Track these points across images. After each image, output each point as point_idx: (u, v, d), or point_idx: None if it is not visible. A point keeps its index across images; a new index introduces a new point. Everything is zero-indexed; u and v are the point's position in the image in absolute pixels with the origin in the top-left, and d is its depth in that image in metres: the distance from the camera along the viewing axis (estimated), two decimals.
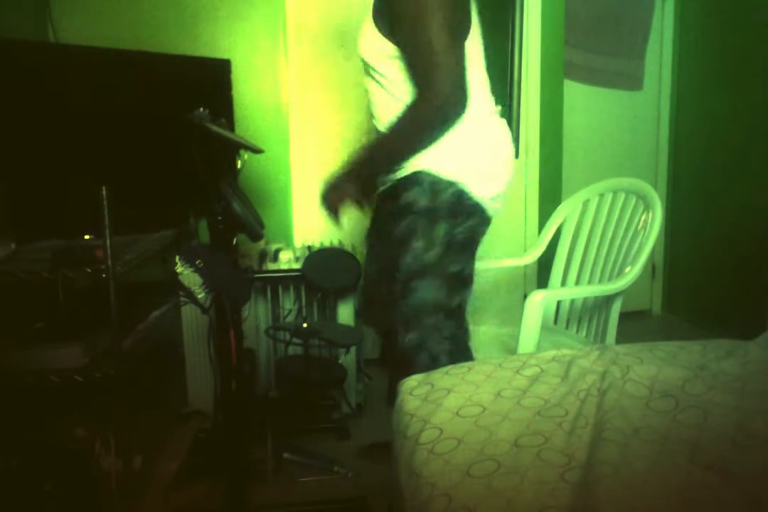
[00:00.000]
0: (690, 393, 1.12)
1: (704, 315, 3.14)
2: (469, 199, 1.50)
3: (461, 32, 1.46)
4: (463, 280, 1.56)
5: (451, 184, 1.49)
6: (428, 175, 1.49)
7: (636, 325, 3.24)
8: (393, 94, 1.51)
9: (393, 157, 1.52)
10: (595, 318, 1.91)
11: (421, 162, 1.50)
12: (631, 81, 3.28)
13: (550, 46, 2.88)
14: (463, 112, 1.41)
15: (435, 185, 1.49)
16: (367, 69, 1.56)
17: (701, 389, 1.13)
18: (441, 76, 1.37)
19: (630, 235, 1.85)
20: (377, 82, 1.54)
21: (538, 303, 1.62)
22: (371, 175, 1.58)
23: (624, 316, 1.86)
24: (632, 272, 1.76)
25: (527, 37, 2.81)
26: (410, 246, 1.51)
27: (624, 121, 3.29)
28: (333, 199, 1.56)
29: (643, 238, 1.80)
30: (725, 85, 2.92)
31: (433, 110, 1.40)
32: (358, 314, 2.12)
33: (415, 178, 1.51)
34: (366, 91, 1.61)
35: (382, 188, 1.65)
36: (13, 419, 1.77)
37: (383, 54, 1.48)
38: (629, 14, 3.20)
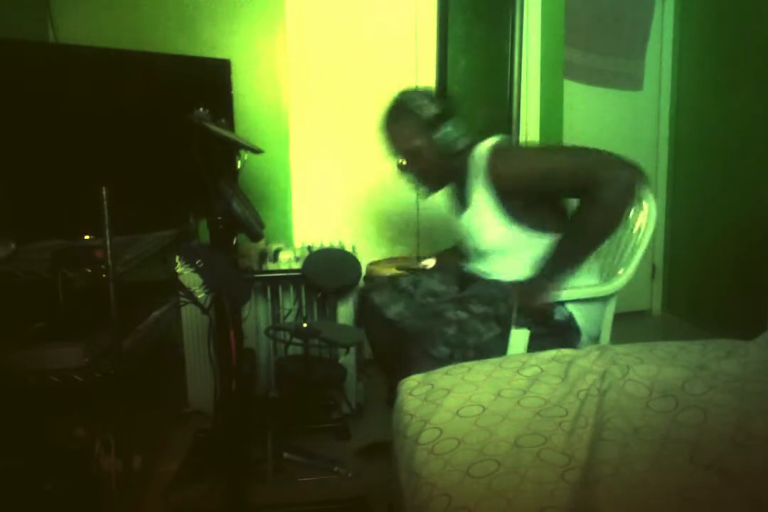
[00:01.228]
0: (690, 393, 1.12)
1: (704, 315, 3.14)
2: None
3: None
4: None
5: None
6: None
7: (636, 325, 3.24)
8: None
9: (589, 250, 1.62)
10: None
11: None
12: (631, 81, 3.27)
13: (550, 46, 2.88)
14: (644, 178, 1.56)
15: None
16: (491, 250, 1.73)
17: (701, 389, 1.13)
18: (598, 170, 1.49)
19: (626, 235, 1.85)
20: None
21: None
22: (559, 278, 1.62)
23: (624, 316, 1.86)
24: (625, 274, 1.76)
25: (527, 37, 2.81)
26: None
27: (624, 121, 3.29)
28: (539, 303, 1.61)
29: (637, 239, 1.80)
30: (725, 85, 2.92)
31: (615, 197, 1.49)
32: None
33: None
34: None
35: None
36: (13, 419, 1.77)
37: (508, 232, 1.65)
38: (629, 14, 3.19)
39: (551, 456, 0.94)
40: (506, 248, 1.69)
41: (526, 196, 1.62)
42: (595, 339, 1.77)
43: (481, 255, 1.79)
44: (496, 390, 1.19)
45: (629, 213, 1.60)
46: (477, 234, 1.72)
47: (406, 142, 1.69)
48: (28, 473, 1.59)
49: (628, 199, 1.51)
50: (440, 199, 1.95)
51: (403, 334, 1.68)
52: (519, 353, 1.60)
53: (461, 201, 1.78)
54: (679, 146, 3.30)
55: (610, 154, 1.53)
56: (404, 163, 1.74)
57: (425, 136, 1.66)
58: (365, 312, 1.89)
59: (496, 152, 1.62)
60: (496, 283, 1.69)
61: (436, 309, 1.65)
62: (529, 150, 1.58)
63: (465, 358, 1.49)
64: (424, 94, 1.71)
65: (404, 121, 1.68)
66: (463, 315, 1.58)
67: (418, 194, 1.81)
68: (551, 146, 1.57)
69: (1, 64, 1.71)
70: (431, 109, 1.65)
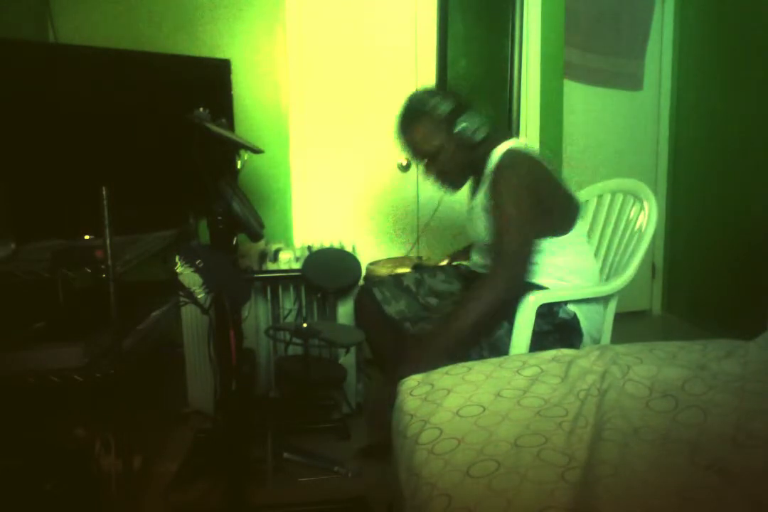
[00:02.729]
0: (690, 393, 1.11)
1: (704, 315, 3.14)
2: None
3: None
4: None
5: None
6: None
7: (636, 325, 3.24)
8: None
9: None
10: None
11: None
12: (631, 81, 3.27)
13: (550, 46, 2.88)
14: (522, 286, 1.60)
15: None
16: None
17: (701, 389, 1.13)
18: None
19: (627, 236, 1.86)
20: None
21: (532, 305, 1.62)
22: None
23: (624, 316, 1.86)
24: (626, 274, 1.76)
25: (527, 37, 2.81)
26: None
27: (624, 121, 3.29)
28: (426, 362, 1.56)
29: (637, 239, 1.81)
30: (725, 85, 2.92)
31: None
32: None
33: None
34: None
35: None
36: (13, 419, 1.77)
37: None
38: (629, 14, 3.19)
39: (551, 456, 0.94)
40: None
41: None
42: (597, 341, 1.78)
43: (484, 249, 1.80)
44: (496, 390, 1.19)
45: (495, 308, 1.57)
46: (477, 226, 1.75)
47: (429, 143, 1.68)
48: (28, 473, 1.59)
49: (495, 301, 1.52)
50: (439, 197, 1.94)
51: (410, 337, 1.69)
52: (520, 353, 1.60)
53: (473, 191, 1.80)
54: (679, 146, 3.30)
55: (525, 258, 1.56)
56: (428, 163, 1.74)
57: (445, 134, 1.66)
58: (364, 307, 1.90)
59: (500, 165, 1.63)
60: None
61: (446, 314, 1.66)
62: (520, 186, 1.57)
63: (481, 357, 1.50)
64: (433, 93, 1.71)
65: (422, 124, 1.68)
66: None
67: (444, 191, 1.80)
68: (533, 199, 1.57)
69: (1, 64, 1.71)
70: (445, 106, 1.65)
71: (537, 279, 1.69)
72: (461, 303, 1.57)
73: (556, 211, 1.69)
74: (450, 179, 1.76)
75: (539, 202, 1.59)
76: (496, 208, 1.60)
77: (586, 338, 1.70)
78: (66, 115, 1.82)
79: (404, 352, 1.64)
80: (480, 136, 1.65)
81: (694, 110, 3.17)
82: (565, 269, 1.70)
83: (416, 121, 1.68)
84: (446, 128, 1.66)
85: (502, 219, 1.57)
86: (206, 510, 1.67)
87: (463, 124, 1.65)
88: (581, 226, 1.77)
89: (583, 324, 1.69)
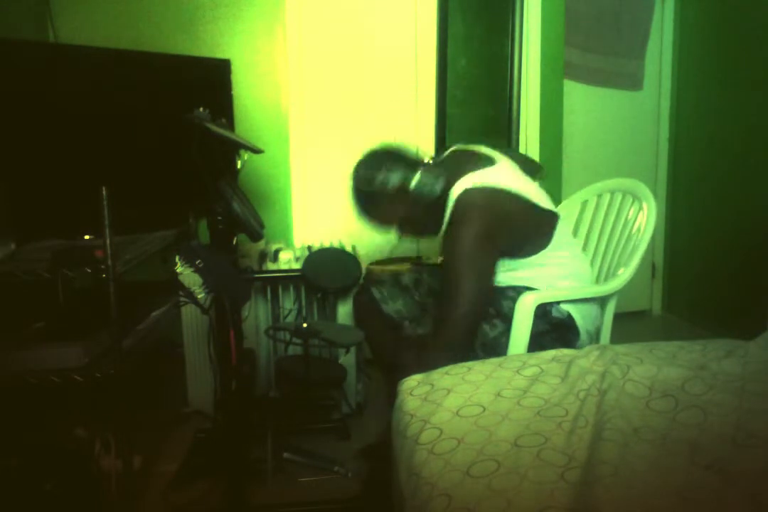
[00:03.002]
0: (690, 393, 1.11)
1: (704, 315, 3.14)
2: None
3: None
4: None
5: None
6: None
7: (636, 325, 3.24)
8: None
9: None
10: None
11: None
12: (631, 81, 3.27)
13: (550, 46, 2.87)
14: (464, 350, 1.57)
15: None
16: None
17: (701, 389, 1.13)
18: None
19: (626, 235, 1.86)
20: None
21: (529, 306, 1.61)
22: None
23: (624, 316, 1.86)
24: (625, 274, 1.76)
25: (527, 37, 2.81)
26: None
27: (624, 121, 3.29)
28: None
29: (637, 239, 1.80)
30: (725, 85, 2.92)
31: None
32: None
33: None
34: None
35: None
36: (13, 419, 1.77)
37: None
38: (629, 14, 3.19)
39: (551, 456, 0.94)
40: None
41: None
42: (594, 335, 1.77)
43: None
44: (496, 390, 1.19)
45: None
46: None
47: (390, 217, 1.65)
48: (28, 473, 1.59)
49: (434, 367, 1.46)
50: None
51: (406, 339, 1.69)
52: (519, 353, 1.60)
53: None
54: (679, 146, 3.30)
55: (465, 329, 1.53)
56: (398, 229, 1.72)
57: (404, 201, 1.59)
58: (363, 306, 1.90)
59: (452, 217, 1.58)
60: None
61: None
62: (470, 244, 1.50)
63: (475, 358, 1.50)
64: (375, 166, 1.58)
65: (377, 203, 1.62)
66: None
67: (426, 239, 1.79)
68: (487, 250, 1.53)
69: (1, 64, 1.71)
70: (394, 177, 1.55)
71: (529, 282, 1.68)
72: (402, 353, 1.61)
73: (531, 235, 1.65)
74: (426, 232, 1.73)
75: (497, 247, 1.56)
76: (444, 269, 1.58)
77: (583, 334, 1.70)
78: (66, 115, 1.82)
79: (403, 353, 1.64)
80: (438, 188, 1.57)
81: (694, 110, 3.17)
82: (554, 277, 1.69)
83: (370, 202, 1.62)
84: (403, 195, 1.58)
85: (447, 283, 1.54)
86: (206, 510, 1.67)
87: (419, 186, 1.56)
88: (562, 233, 1.71)
89: (579, 321, 1.69)
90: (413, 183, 1.55)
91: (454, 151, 1.79)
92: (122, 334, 1.68)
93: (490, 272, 1.58)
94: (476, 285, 1.52)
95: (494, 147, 1.86)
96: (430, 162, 1.66)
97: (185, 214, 2.30)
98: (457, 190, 1.58)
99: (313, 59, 2.70)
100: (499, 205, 1.57)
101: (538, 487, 0.87)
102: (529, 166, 1.87)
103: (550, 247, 1.66)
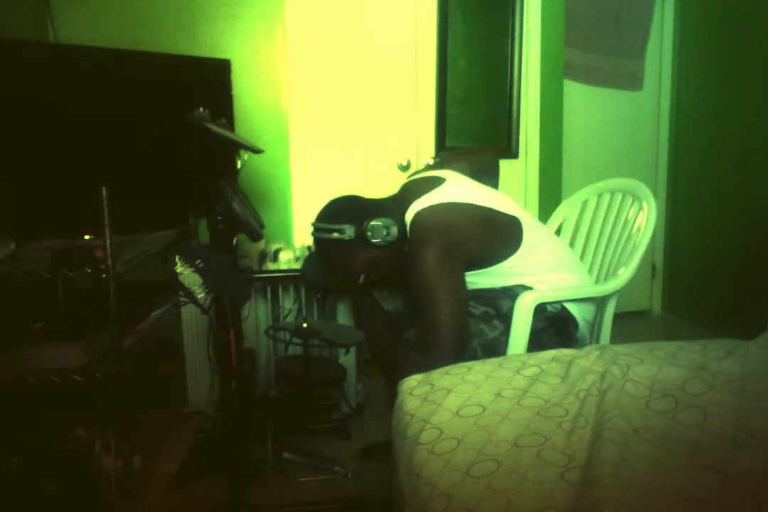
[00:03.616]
0: (690, 393, 1.12)
1: (704, 315, 3.14)
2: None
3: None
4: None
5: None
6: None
7: (636, 325, 3.24)
8: None
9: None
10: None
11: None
12: (631, 81, 3.28)
13: (550, 46, 2.88)
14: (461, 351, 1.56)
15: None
16: None
17: (701, 389, 1.13)
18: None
19: (626, 235, 1.86)
20: None
21: (529, 305, 1.61)
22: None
23: (624, 316, 1.86)
24: (625, 273, 1.76)
25: (527, 37, 2.81)
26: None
27: (624, 121, 3.29)
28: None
29: (637, 239, 1.80)
30: (725, 85, 2.92)
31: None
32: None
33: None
34: None
35: None
36: (13, 419, 1.77)
37: None
38: (629, 14, 3.20)
39: (551, 456, 0.94)
40: None
41: None
42: (592, 323, 1.77)
43: None
44: (496, 390, 1.19)
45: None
46: None
47: (356, 266, 1.65)
48: (28, 473, 1.59)
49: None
50: None
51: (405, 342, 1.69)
52: (519, 353, 1.60)
53: None
54: (679, 146, 3.30)
55: (454, 346, 1.52)
56: (366, 276, 1.73)
57: (365, 248, 1.60)
58: (363, 306, 1.90)
59: (409, 248, 1.58)
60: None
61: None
62: (427, 259, 1.50)
63: (474, 358, 1.49)
64: (331, 218, 1.61)
65: (339, 257, 1.63)
66: None
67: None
68: (452, 267, 1.53)
69: (1, 64, 1.71)
70: (349, 229, 1.57)
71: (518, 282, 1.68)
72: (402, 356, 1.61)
73: (501, 239, 1.64)
74: (393, 272, 1.71)
75: (462, 259, 1.56)
76: (413, 293, 1.58)
77: (581, 324, 1.70)
78: (66, 115, 1.82)
79: (403, 353, 1.64)
80: (394, 231, 1.58)
81: (694, 110, 3.17)
82: (543, 268, 1.68)
83: (332, 254, 1.63)
84: (363, 244, 1.59)
85: (421, 308, 1.54)
86: (206, 510, 1.67)
87: (376, 233, 1.57)
88: (533, 234, 1.68)
89: (574, 310, 1.69)
90: (371, 233, 1.57)
91: (405, 184, 1.79)
92: (122, 334, 1.68)
93: (460, 283, 1.56)
94: (450, 305, 1.51)
95: (446, 161, 1.88)
96: (387, 201, 1.68)
97: (185, 214, 2.30)
98: (409, 216, 1.60)
99: (313, 59, 2.70)
100: (452, 219, 1.58)
101: (538, 487, 0.87)
102: (492, 168, 1.91)
103: (524, 246, 1.65)
